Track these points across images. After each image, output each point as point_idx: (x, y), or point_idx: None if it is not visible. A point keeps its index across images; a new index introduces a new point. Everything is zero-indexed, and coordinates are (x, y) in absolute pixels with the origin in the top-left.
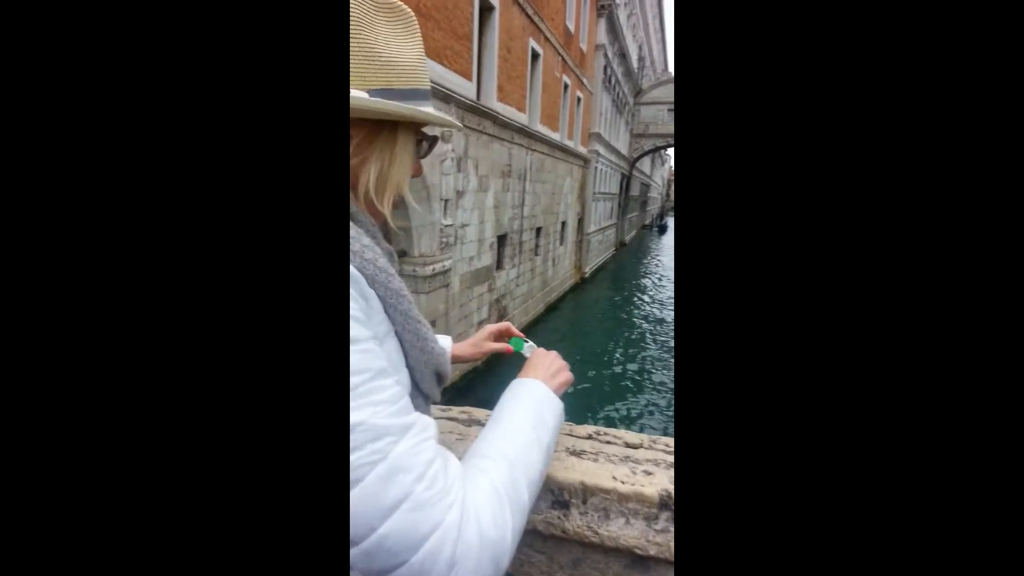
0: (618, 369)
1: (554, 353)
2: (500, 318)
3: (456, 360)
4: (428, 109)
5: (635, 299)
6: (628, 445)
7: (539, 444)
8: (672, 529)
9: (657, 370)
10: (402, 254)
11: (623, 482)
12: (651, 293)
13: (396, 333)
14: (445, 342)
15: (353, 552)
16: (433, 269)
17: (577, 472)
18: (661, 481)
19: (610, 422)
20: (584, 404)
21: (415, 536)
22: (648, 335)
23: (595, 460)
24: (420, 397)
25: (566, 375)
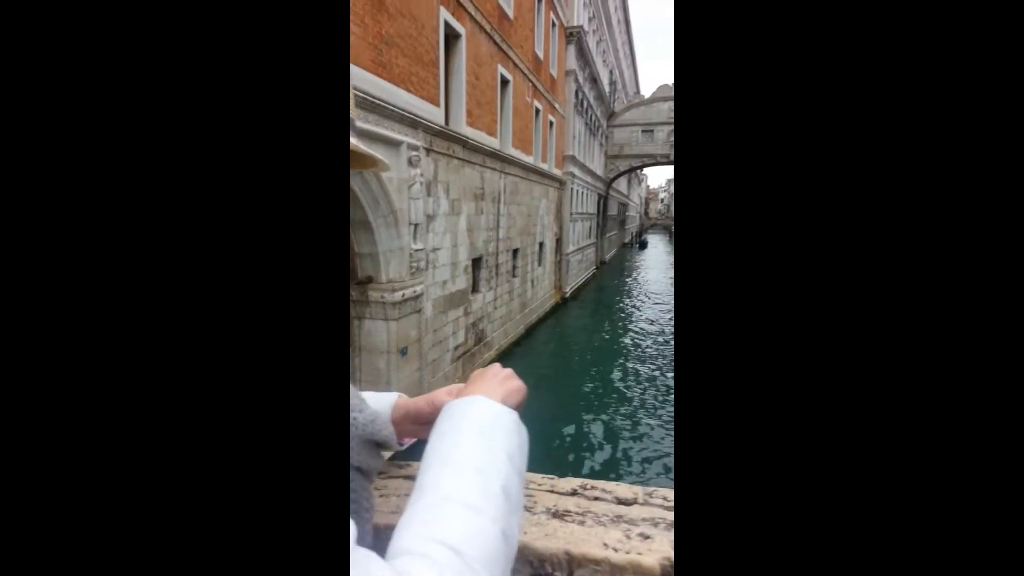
0: (608, 388)
1: (496, 365)
2: (478, 342)
3: (414, 421)
4: (353, 141)
5: (619, 322)
6: (620, 501)
7: (495, 471)
8: None
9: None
10: (368, 280)
11: (616, 549)
12: (634, 313)
13: None
14: (386, 400)
15: None
16: (403, 295)
17: (560, 539)
18: (662, 546)
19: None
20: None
21: None
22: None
23: (581, 523)
24: (354, 471)
25: (515, 381)
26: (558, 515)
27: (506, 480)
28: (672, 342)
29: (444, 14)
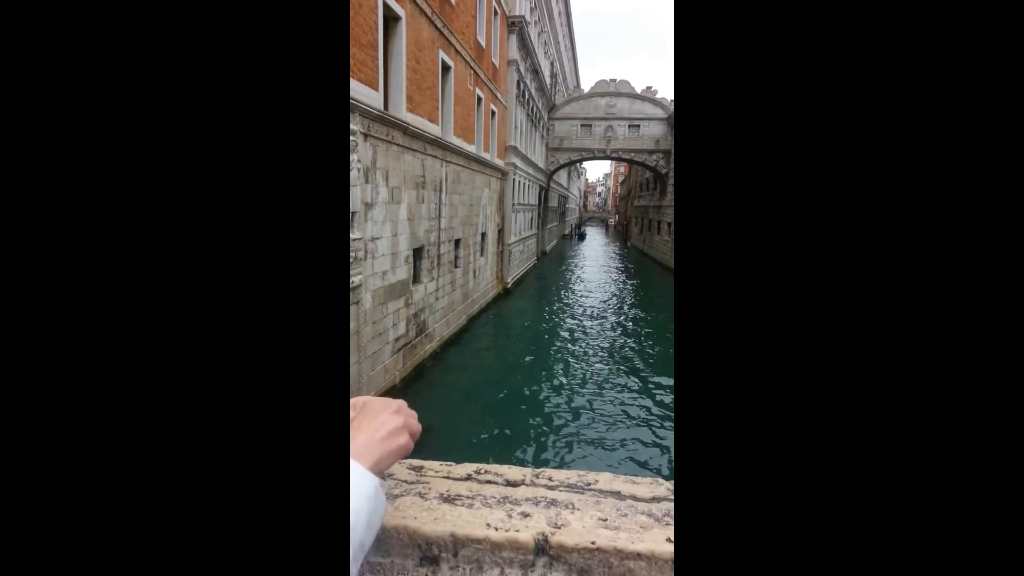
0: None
1: (392, 404)
2: (419, 333)
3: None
4: None
5: (560, 311)
6: (508, 483)
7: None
8: (550, 574)
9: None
10: None
11: (497, 528)
12: (575, 301)
13: None
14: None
15: None
16: None
17: (447, 522)
18: (538, 523)
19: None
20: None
21: None
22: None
23: (470, 506)
24: None
25: (400, 438)
26: (449, 500)
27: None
28: (606, 323)
29: None
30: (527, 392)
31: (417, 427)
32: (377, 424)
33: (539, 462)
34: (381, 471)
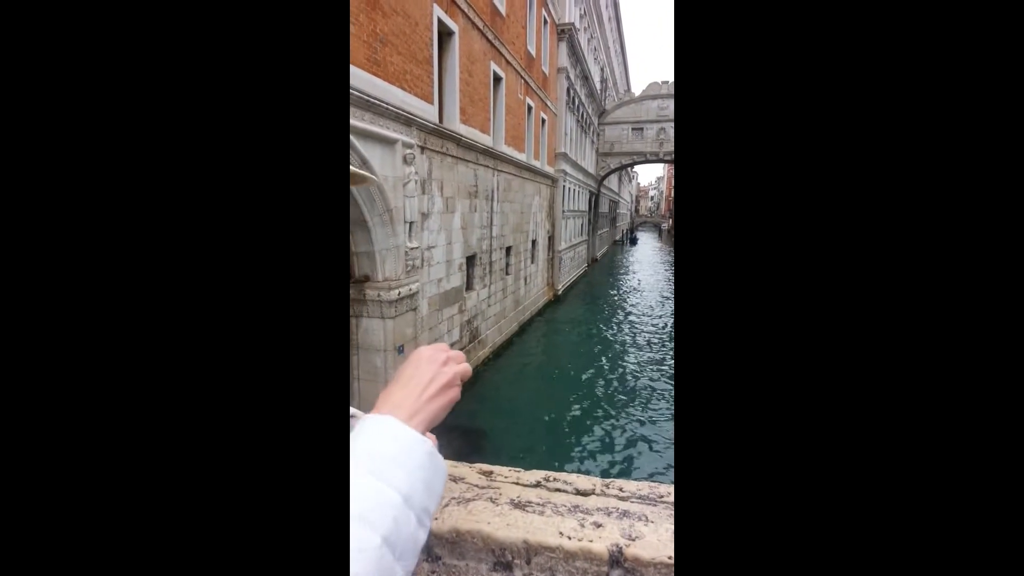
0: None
1: (439, 356)
2: (472, 339)
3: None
4: None
5: (613, 317)
6: (578, 492)
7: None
8: None
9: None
10: (365, 279)
11: (570, 537)
12: (629, 308)
13: None
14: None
15: None
16: (399, 293)
17: (520, 529)
18: (612, 534)
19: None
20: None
21: None
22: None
23: (541, 513)
24: None
25: (449, 393)
26: (520, 506)
27: (390, 530)
28: (670, 330)
29: (438, 11)
30: (578, 404)
31: (467, 371)
32: (426, 380)
33: (602, 473)
34: (431, 427)
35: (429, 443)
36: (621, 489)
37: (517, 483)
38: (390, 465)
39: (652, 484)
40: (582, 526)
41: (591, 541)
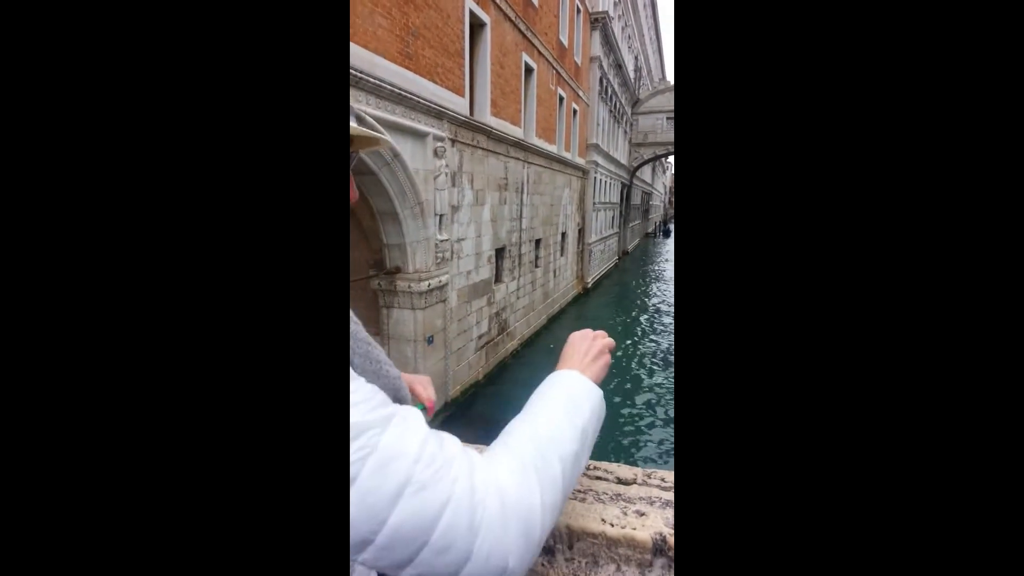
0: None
1: (590, 334)
2: (501, 331)
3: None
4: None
5: (643, 314)
6: (620, 481)
7: (571, 425)
8: None
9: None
10: (396, 270)
11: (612, 524)
12: (659, 303)
13: None
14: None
15: (371, 552)
16: (429, 284)
17: (563, 514)
18: (655, 523)
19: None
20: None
21: (427, 516)
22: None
23: (583, 500)
24: None
25: (604, 358)
26: None
27: (574, 450)
28: None
29: (470, 3)
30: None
31: (612, 343)
32: (585, 350)
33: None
34: (598, 381)
35: (600, 392)
36: (663, 479)
37: None
38: (578, 399)
39: None
40: (624, 514)
41: (634, 529)
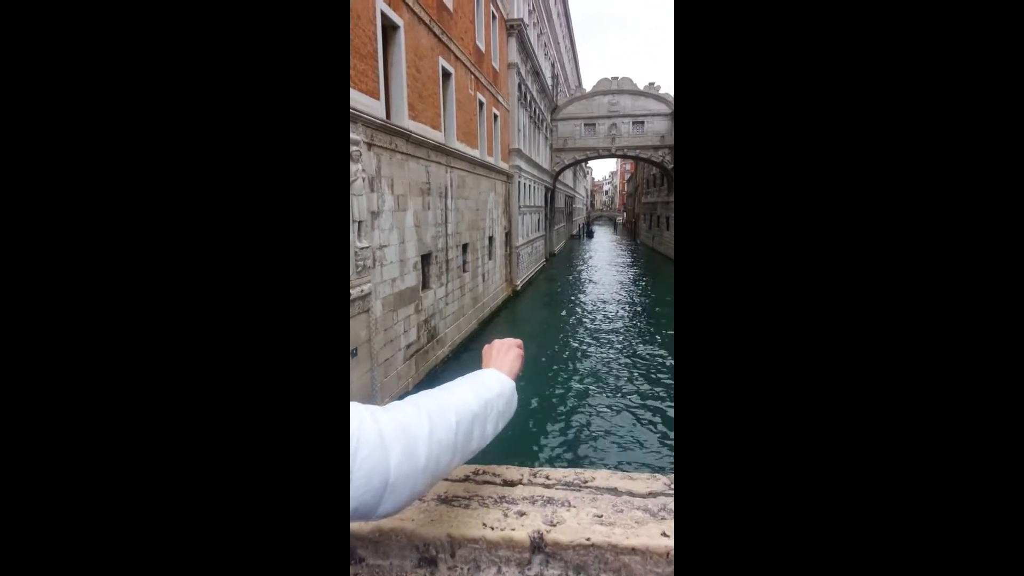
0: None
1: (497, 342)
2: (431, 338)
3: None
4: None
5: (573, 308)
6: (506, 483)
7: (475, 393)
8: (545, 573)
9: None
10: None
11: (493, 528)
12: (587, 298)
13: None
14: None
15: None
16: (350, 295)
17: (445, 523)
18: (534, 521)
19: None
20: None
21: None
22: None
23: (467, 506)
24: None
25: (514, 351)
26: (447, 501)
27: (473, 411)
28: (619, 320)
29: (380, 5)
30: (538, 393)
31: (519, 342)
32: (496, 350)
33: (557, 461)
34: (513, 376)
35: (512, 382)
36: (547, 477)
37: (446, 479)
38: (486, 380)
39: (578, 470)
40: (506, 516)
41: (513, 530)
